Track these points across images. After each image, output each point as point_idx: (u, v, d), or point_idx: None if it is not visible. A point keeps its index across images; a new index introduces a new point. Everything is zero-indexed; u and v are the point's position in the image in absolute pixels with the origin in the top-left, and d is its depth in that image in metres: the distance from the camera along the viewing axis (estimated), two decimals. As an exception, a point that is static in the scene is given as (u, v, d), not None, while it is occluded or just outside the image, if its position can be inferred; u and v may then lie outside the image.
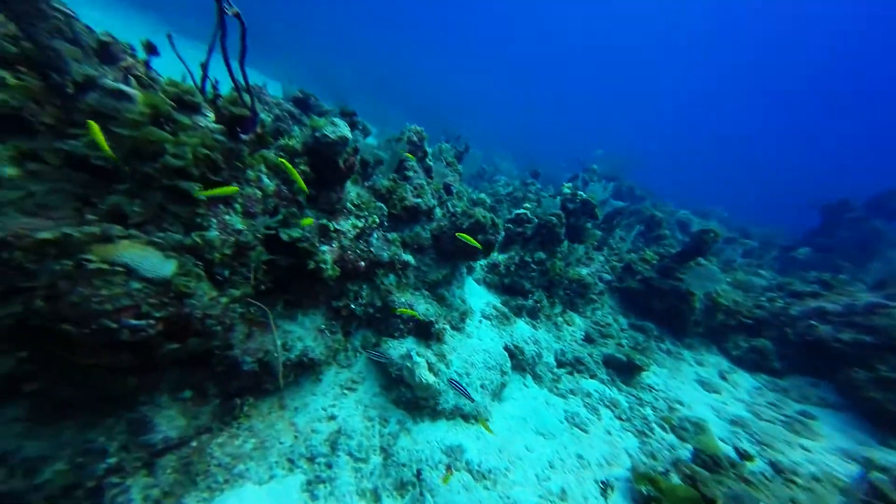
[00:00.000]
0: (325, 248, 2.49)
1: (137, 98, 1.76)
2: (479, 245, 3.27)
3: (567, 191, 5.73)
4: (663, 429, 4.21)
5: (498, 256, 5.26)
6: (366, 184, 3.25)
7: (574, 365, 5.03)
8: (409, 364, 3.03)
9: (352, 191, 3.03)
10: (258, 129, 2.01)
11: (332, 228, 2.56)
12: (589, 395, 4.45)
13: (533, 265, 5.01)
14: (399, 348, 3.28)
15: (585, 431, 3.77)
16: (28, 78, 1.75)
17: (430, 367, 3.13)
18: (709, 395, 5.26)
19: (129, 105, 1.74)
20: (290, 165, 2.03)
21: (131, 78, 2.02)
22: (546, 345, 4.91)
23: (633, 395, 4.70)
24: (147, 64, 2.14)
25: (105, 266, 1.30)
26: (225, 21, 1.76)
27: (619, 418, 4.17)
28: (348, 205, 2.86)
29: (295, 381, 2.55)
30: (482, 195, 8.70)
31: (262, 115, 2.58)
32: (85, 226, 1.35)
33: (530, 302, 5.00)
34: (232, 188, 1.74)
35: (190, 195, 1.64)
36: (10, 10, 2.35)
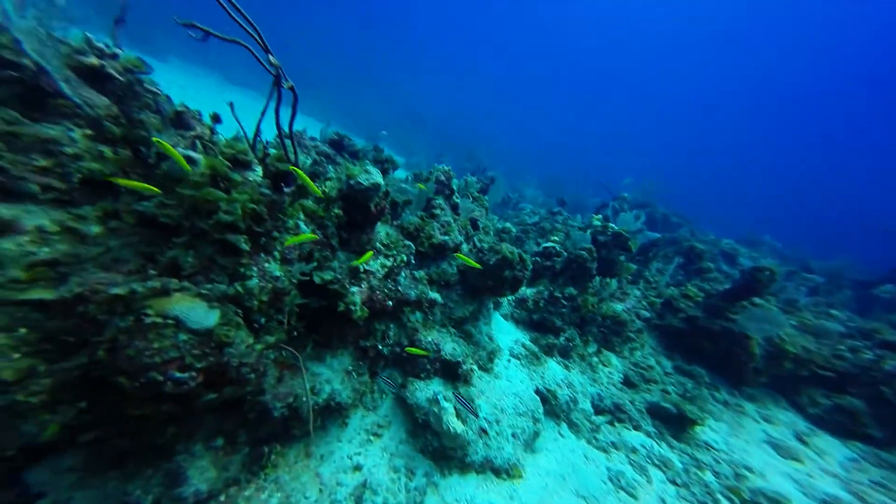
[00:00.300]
0: (354, 289, 2.54)
1: (200, 161, 1.98)
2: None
3: (597, 223, 5.57)
4: (731, 502, 3.60)
5: (526, 291, 5.10)
6: (395, 223, 3.35)
7: (614, 413, 4.58)
8: (435, 409, 2.89)
9: (381, 230, 3.14)
10: (298, 181, 2.17)
11: (361, 269, 2.62)
12: (634, 450, 3.98)
13: (563, 301, 4.79)
14: (425, 390, 3.17)
15: (634, 497, 3.32)
16: (122, 151, 2.05)
17: (458, 413, 2.97)
18: (785, 462, 4.49)
19: (193, 168, 1.97)
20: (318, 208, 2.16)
21: (198, 142, 2.30)
22: (581, 388, 4.54)
23: (688, 455, 4.13)
24: (212, 130, 2.44)
25: (159, 319, 1.39)
26: (281, 91, 1.99)
27: (674, 482, 3.65)
28: (378, 244, 2.95)
29: (322, 425, 2.51)
30: (507, 224, 8.69)
31: (302, 158, 2.82)
32: (148, 280, 1.48)
33: (562, 340, 4.72)
34: (311, 235, 1.92)
35: (236, 247, 1.76)
36: (113, 93, 2.82)
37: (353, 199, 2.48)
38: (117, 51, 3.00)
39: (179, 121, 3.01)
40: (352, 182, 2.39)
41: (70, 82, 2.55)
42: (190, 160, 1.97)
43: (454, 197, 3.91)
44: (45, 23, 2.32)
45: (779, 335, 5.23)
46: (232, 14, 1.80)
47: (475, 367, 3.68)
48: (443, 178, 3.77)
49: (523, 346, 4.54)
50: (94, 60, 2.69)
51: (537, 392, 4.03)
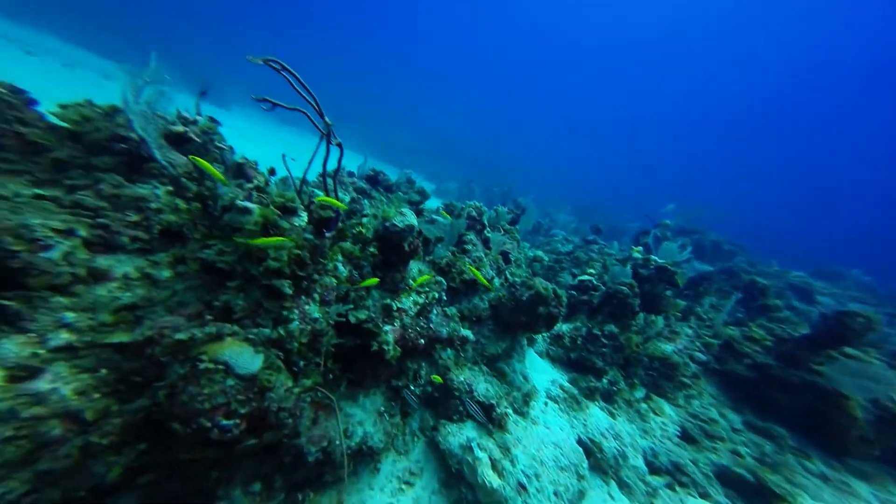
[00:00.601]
0: (387, 327, 2.57)
1: (255, 211, 2.22)
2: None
3: (638, 255, 5.23)
4: None
5: (561, 326, 4.81)
6: (427, 258, 3.41)
7: (673, 474, 3.99)
8: (469, 459, 2.71)
9: (414, 267, 3.20)
10: (339, 225, 2.32)
11: (394, 308, 2.66)
12: (704, 524, 3.38)
13: (603, 339, 4.43)
14: (458, 435, 3.01)
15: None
16: (193, 203, 2.36)
17: (494, 465, 2.76)
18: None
19: (248, 217, 2.20)
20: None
21: (254, 193, 2.59)
22: (630, 440, 4.04)
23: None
24: (267, 182, 2.74)
25: (211, 365, 1.50)
26: (330, 146, 2.21)
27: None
28: (410, 282, 3.00)
29: (354, 471, 2.45)
30: (539, 252, 8.46)
31: (342, 195, 3.04)
32: (206, 326, 1.61)
33: (604, 383, 4.31)
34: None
35: (281, 291, 1.89)
36: (191, 152, 3.30)
37: (387, 239, 2.59)
38: (197, 118, 3.56)
39: (240, 171, 3.42)
40: (387, 224, 2.51)
41: (162, 148, 3.05)
42: (245, 210, 2.21)
43: (486, 231, 3.93)
44: (152, 105, 2.86)
45: (891, 398, 4.27)
46: (294, 84, 2.08)
47: (510, 410, 3.45)
48: (474, 213, 3.82)
49: (561, 387, 4.21)
50: (180, 128, 3.21)
51: (579, 442, 3.65)
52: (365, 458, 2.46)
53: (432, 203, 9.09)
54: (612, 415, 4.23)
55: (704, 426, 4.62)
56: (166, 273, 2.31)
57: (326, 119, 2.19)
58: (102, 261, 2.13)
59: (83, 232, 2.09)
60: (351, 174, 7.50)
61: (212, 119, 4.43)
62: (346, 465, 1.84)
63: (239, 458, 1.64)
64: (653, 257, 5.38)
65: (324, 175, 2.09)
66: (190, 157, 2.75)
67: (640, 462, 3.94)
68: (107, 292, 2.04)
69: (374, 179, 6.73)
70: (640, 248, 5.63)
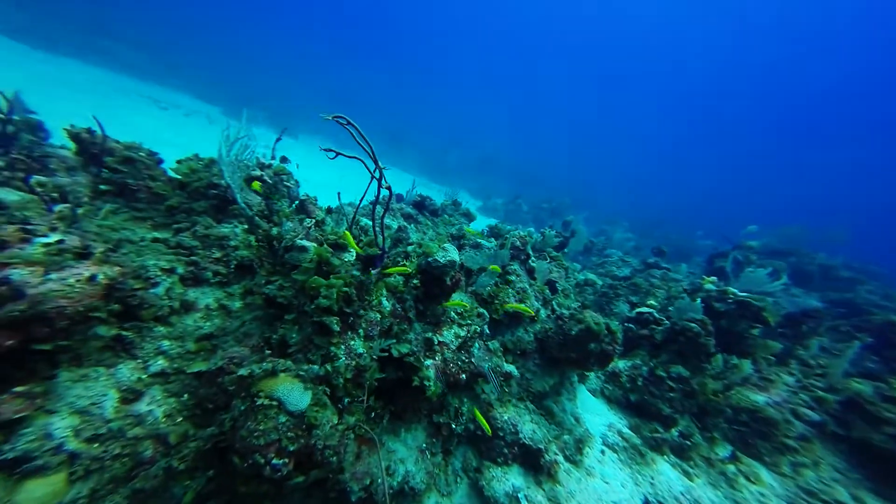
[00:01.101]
0: (428, 362, 2.53)
1: (311, 249, 2.41)
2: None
3: (711, 286, 4.52)
4: None
5: (618, 363, 4.29)
6: (469, 289, 3.35)
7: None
8: (513, 512, 2.47)
9: (456, 298, 3.15)
10: (387, 261, 2.40)
11: (435, 342, 2.62)
12: None
13: (669, 381, 3.83)
14: (503, 481, 2.78)
15: None
16: (261, 243, 2.66)
17: (541, 524, 2.47)
18: None
19: (305, 255, 2.40)
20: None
21: (311, 231, 2.83)
22: (714, 510, 3.33)
23: None
24: (323, 220, 2.99)
25: (267, 401, 1.59)
26: (381, 191, 2.35)
27: None
28: (452, 314, 2.95)
29: (393, 511, 2.39)
30: (591, 275, 7.82)
31: (390, 221, 3.14)
32: (264, 361, 1.74)
33: (674, 434, 3.68)
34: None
35: (329, 328, 1.98)
36: (265, 192, 3.75)
37: (429, 273, 2.60)
38: (272, 162, 4.08)
39: (302, 207, 3.78)
40: (430, 259, 2.53)
41: (243, 190, 3.54)
42: (303, 249, 2.41)
43: (530, 261, 3.75)
44: (240, 155, 3.38)
45: None
46: (355, 136, 2.28)
47: (560, 457, 3.11)
48: (518, 243, 3.69)
49: (620, 434, 3.69)
50: (258, 172, 3.70)
51: (646, 506, 3.12)
52: (407, 498, 2.38)
53: (478, 223, 9.07)
54: (687, 475, 3.56)
55: None
56: (238, 304, 2.60)
57: (378, 164, 2.33)
58: (192, 293, 2.49)
59: (181, 269, 2.47)
60: (400, 197, 7.88)
61: (284, 159, 5.07)
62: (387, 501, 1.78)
63: (289, 492, 1.70)
64: (731, 289, 4.58)
65: (373, 219, 2.19)
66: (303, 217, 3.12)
67: (727, 540, 3.21)
68: (192, 322, 2.35)
69: (421, 205, 6.96)
70: (713, 278, 4.84)
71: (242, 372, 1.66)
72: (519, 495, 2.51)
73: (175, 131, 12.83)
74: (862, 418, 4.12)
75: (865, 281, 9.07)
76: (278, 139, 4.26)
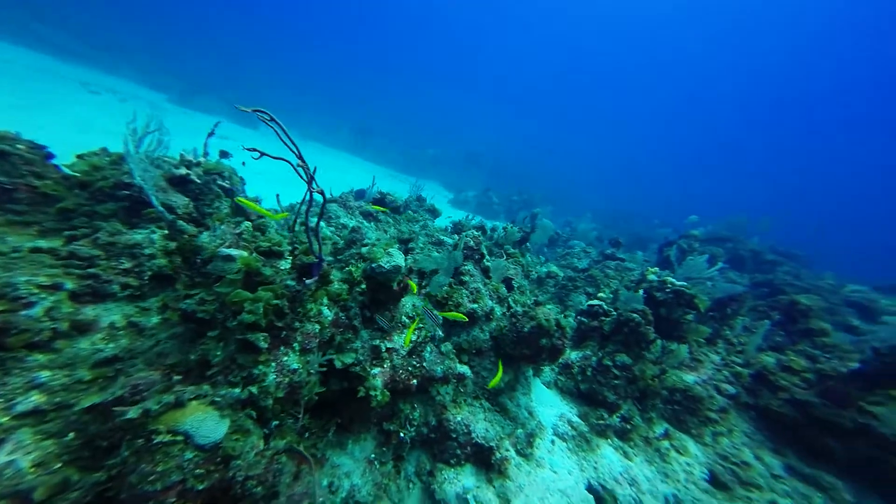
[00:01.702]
0: (376, 370, 2.40)
1: (238, 258, 2.14)
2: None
3: (653, 277, 4.84)
4: None
5: (570, 355, 4.47)
6: (422, 292, 3.25)
7: (701, 523, 3.51)
8: (464, 515, 2.45)
9: (408, 302, 3.04)
10: (323, 271, 2.20)
11: (383, 349, 2.49)
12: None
13: (615, 370, 4.06)
14: (455, 483, 2.74)
15: None
16: (174, 257, 2.33)
17: (491, 522, 2.48)
18: None
19: (231, 265, 2.13)
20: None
21: (242, 237, 2.54)
22: (649, 487, 3.61)
23: None
24: (263, 225, 2.69)
25: (168, 437, 1.37)
26: (313, 196, 2.13)
27: None
28: (403, 318, 2.83)
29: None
30: (553, 267, 8.08)
31: (348, 220, 2.90)
32: (167, 392, 1.50)
33: (616, 420, 3.91)
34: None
35: (255, 345, 1.77)
36: (193, 192, 3.33)
37: (375, 279, 2.45)
38: (201, 159, 3.62)
39: (239, 210, 3.41)
40: (374, 265, 2.38)
41: (167, 191, 3.09)
42: (228, 258, 2.13)
43: (485, 261, 3.73)
44: (149, 154, 2.93)
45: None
46: (279, 134, 2.03)
47: (512, 451, 3.16)
48: (472, 243, 3.65)
49: (570, 423, 3.85)
50: (182, 171, 3.24)
51: (590, 489, 3.28)
52: (351, 514, 2.25)
53: (449, 216, 8.91)
54: (627, 455, 3.81)
55: (737, 470, 4.08)
56: (155, 319, 2.26)
57: (306, 166, 2.11)
58: (90, 311, 2.11)
59: (70, 284, 2.08)
60: (361, 194, 7.51)
61: (223, 154, 4.54)
62: None
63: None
64: (669, 279, 4.95)
65: (307, 226, 1.99)
66: (236, 199, 2.75)
67: (662, 510, 3.49)
68: (90, 345, 1.99)
69: (381, 202, 6.69)
70: (656, 269, 5.22)
71: (131, 414, 1.41)
72: (468, 496, 2.49)
73: (110, 119, 11.11)
74: (766, 387, 4.70)
75: (784, 263, 10.30)
76: (210, 133, 3.79)
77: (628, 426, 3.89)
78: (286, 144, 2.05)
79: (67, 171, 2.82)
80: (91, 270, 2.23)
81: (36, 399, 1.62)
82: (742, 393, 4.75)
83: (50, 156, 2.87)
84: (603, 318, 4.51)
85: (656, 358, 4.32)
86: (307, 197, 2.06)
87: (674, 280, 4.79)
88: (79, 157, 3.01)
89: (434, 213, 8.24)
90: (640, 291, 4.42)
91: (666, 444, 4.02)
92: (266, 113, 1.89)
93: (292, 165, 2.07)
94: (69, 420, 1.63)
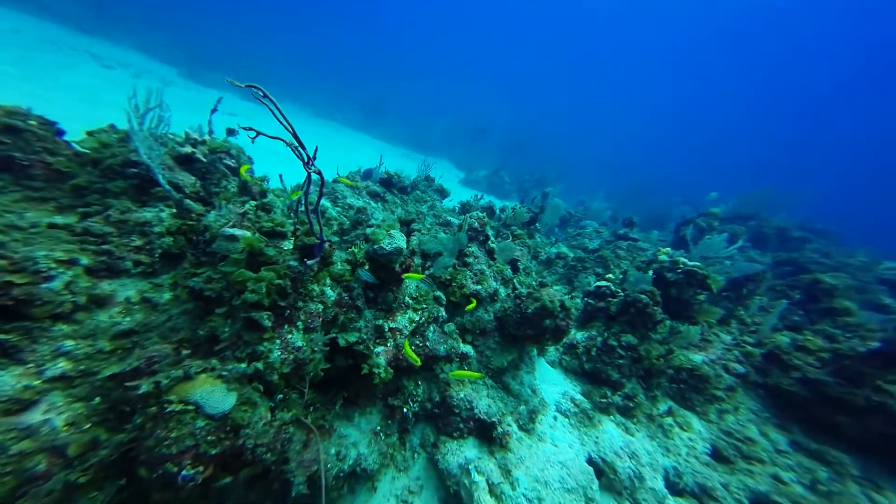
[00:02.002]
0: (379, 349, 2.44)
1: (241, 238, 2.14)
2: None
3: (664, 257, 4.67)
4: None
5: (576, 335, 4.45)
6: (427, 273, 3.23)
7: (699, 497, 3.58)
8: (466, 482, 2.56)
9: (412, 283, 3.03)
10: (325, 252, 2.19)
11: (386, 329, 2.52)
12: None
13: (620, 350, 4.02)
14: (458, 454, 2.85)
15: None
16: (178, 237, 2.35)
17: (492, 490, 2.58)
18: None
19: (235, 245, 2.13)
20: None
21: (247, 218, 2.53)
22: (649, 460, 3.67)
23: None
24: (263, 206, 2.67)
25: (180, 406, 1.43)
26: (311, 177, 2.07)
27: None
28: (407, 299, 2.84)
29: (350, 490, 2.39)
30: (563, 248, 7.93)
31: (355, 201, 2.87)
32: (176, 367, 1.56)
33: (619, 397, 3.93)
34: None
35: (259, 324, 1.80)
36: (199, 170, 3.32)
37: (377, 260, 2.43)
38: (206, 137, 3.58)
39: (245, 189, 3.40)
40: (375, 247, 2.35)
41: (173, 169, 3.09)
42: (232, 238, 2.14)
43: (490, 242, 3.65)
44: (153, 131, 2.89)
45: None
46: (274, 112, 1.95)
47: (514, 426, 3.24)
48: (476, 225, 3.56)
49: (573, 400, 3.90)
50: (188, 149, 3.22)
51: (590, 462, 3.36)
52: (360, 479, 2.38)
53: (459, 196, 8.71)
54: (628, 431, 3.86)
55: (740, 445, 4.10)
56: (167, 295, 2.33)
57: (301, 145, 2.03)
58: (106, 286, 2.18)
59: (85, 260, 2.14)
60: (368, 174, 7.39)
61: (230, 131, 4.48)
62: (324, 500, 1.74)
63: (220, 491, 1.59)
64: (682, 259, 4.77)
65: (306, 207, 1.94)
66: (241, 172, 2.73)
67: (659, 484, 3.57)
68: (108, 318, 2.08)
69: (389, 182, 6.58)
70: (668, 249, 5.02)
71: (144, 389, 1.47)
72: (470, 467, 2.59)
73: (121, 93, 11.12)
74: (778, 367, 4.59)
75: (813, 240, 9.72)
76: (213, 110, 3.72)
77: (631, 403, 3.91)
78: (280, 121, 1.97)
79: (78, 147, 2.84)
80: (105, 247, 2.29)
81: (63, 366, 1.72)
82: (751, 372, 4.66)
83: (60, 132, 2.88)
84: (610, 298, 4.43)
85: (663, 338, 4.25)
86: (308, 178, 2.00)
87: (685, 260, 4.61)
88: (88, 133, 3.02)
89: (443, 193, 8.07)
90: (650, 272, 4.27)
91: (669, 420, 4.05)
92: (259, 89, 1.80)
93: (287, 143, 2.00)
94: (94, 386, 1.73)
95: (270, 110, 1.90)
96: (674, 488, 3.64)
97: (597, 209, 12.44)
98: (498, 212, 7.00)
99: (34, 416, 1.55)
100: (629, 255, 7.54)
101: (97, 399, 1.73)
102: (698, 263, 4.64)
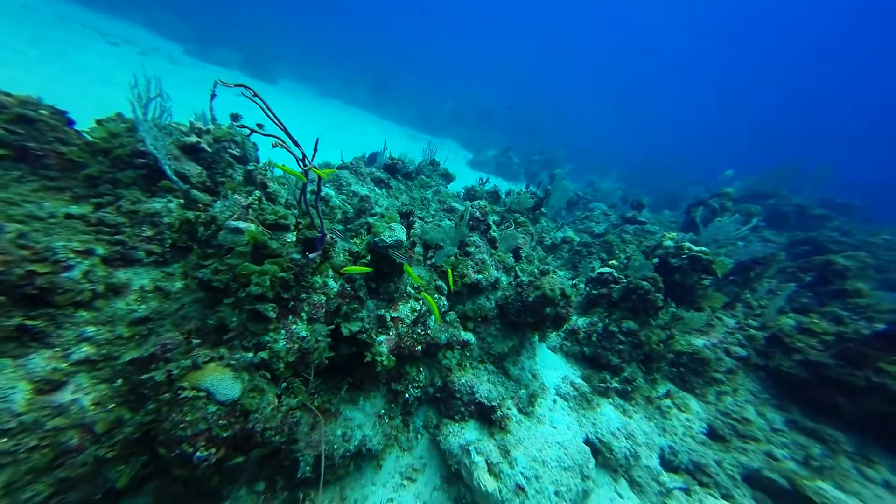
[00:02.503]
0: (381, 338, 2.49)
1: (246, 231, 2.15)
2: (369, 269, 2.49)
3: (670, 243, 4.54)
4: None
5: (577, 321, 4.45)
6: (428, 262, 3.22)
7: (693, 473, 3.67)
8: (466, 462, 2.66)
9: (414, 272, 3.03)
10: (326, 244, 2.19)
11: (388, 318, 2.55)
12: (719, 535, 3.09)
13: (620, 335, 4.02)
14: (459, 436, 2.96)
15: None
16: (180, 234, 2.37)
17: (491, 469, 2.69)
18: None
19: (240, 237, 2.15)
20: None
21: (250, 210, 2.53)
22: (645, 439, 3.75)
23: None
24: (265, 196, 2.66)
25: (193, 393, 1.49)
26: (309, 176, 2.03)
27: None
28: (408, 289, 2.85)
29: (357, 468, 2.52)
30: (570, 232, 7.78)
31: (359, 188, 2.85)
32: (183, 359, 1.61)
33: (618, 381, 3.97)
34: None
35: (264, 315, 1.84)
36: (205, 160, 3.30)
37: (378, 252, 2.42)
38: (210, 126, 3.54)
39: (249, 178, 3.38)
40: (376, 239, 2.33)
41: (179, 159, 3.09)
42: (237, 231, 2.15)
43: (491, 231, 3.60)
44: (157, 121, 2.87)
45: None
46: (266, 111, 1.89)
47: (514, 410, 3.32)
48: (478, 214, 3.49)
49: (572, 384, 3.95)
50: (192, 139, 3.20)
51: (587, 442, 3.45)
52: (365, 458, 2.50)
53: (465, 180, 8.52)
54: (626, 413, 3.93)
55: (736, 425, 4.14)
56: (179, 284, 2.40)
57: (299, 145, 1.98)
58: (121, 275, 2.25)
59: (101, 250, 2.20)
60: (373, 158, 7.27)
61: (234, 116, 4.40)
62: (322, 475, 1.84)
63: (233, 469, 1.70)
64: (687, 244, 4.64)
65: (306, 204, 1.92)
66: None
67: (654, 462, 3.66)
68: (125, 305, 2.16)
69: (393, 168, 6.47)
70: (673, 234, 4.87)
71: (157, 377, 1.53)
72: (470, 448, 2.68)
73: (129, 72, 10.87)
74: (780, 349, 4.54)
75: (835, 217, 9.31)
76: (213, 96, 3.62)
77: (630, 387, 3.95)
78: (272, 120, 1.91)
79: (88, 136, 2.84)
80: (118, 237, 2.34)
81: (86, 350, 1.81)
82: (752, 355, 4.63)
83: (71, 121, 2.89)
84: (613, 285, 4.37)
85: (665, 323, 4.21)
86: (306, 175, 1.97)
87: (691, 245, 4.48)
88: (98, 122, 3.01)
89: (447, 177, 7.91)
90: (655, 259, 4.18)
91: (668, 402, 4.09)
92: (249, 89, 1.75)
93: (281, 144, 1.95)
94: (116, 369, 1.83)
95: (262, 108, 1.85)
96: (668, 465, 3.73)
97: (607, 190, 11.98)
98: (504, 195, 6.85)
99: (64, 396, 1.65)
100: (635, 238, 7.37)
101: (119, 381, 1.83)
102: (704, 249, 4.51)
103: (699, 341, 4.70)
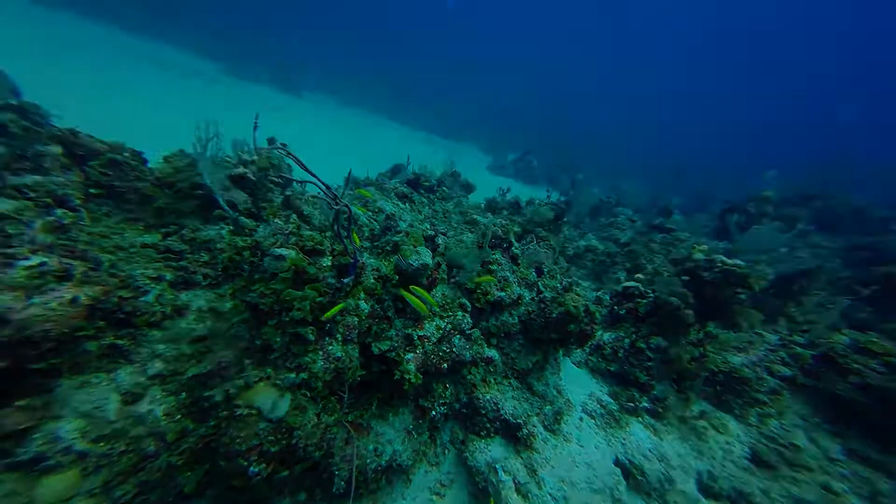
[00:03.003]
0: (409, 356, 2.56)
1: (288, 258, 2.33)
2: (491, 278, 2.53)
3: (700, 255, 4.29)
4: None
5: (603, 336, 4.30)
6: (452, 281, 3.28)
7: (736, 502, 3.40)
8: (494, 481, 2.65)
9: (438, 291, 3.10)
10: (358, 269, 2.32)
11: (415, 337, 2.63)
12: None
13: (649, 352, 3.83)
14: (485, 452, 2.95)
15: None
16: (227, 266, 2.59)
17: (519, 489, 2.65)
18: None
19: (283, 263, 2.33)
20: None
21: (291, 237, 2.73)
22: (680, 462, 3.52)
23: None
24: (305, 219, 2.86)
25: (247, 411, 1.64)
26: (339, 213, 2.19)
27: None
28: (434, 308, 2.92)
29: (388, 482, 2.59)
30: (593, 241, 7.55)
31: (384, 204, 2.99)
32: (238, 378, 1.77)
33: (648, 400, 3.77)
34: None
35: (304, 338, 1.98)
36: (249, 188, 3.59)
37: (405, 273, 2.52)
38: (255, 157, 3.86)
39: (288, 203, 3.63)
40: (402, 263, 2.43)
41: (229, 189, 3.40)
42: (280, 258, 2.34)
43: (514, 248, 3.60)
44: (214, 155, 3.18)
45: None
46: (302, 166, 2.08)
47: (540, 427, 3.25)
48: (500, 232, 3.52)
49: (599, 401, 3.81)
50: (241, 170, 3.51)
51: (617, 463, 3.30)
52: (396, 472, 2.57)
53: (484, 189, 8.49)
54: (657, 433, 3.71)
55: (783, 451, 3.78)
56: (228, 304, 2.62)
57: (335, 196, 2.14)
58: (184, 296, 2.51)
59: (169, 276, 2.47)
60: (397, 169, 7.47)
61: (271, 141, 4.73)
62: (352, 490, 1.92)
63: (280, 481, 1.82)
64: (719, 257, 4.35)
65: (338, 235, 2.07)
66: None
67: (691, 486, 3.43)
68: (186, 325, 2.40)
69: (416, 183, 6.65)
70: (704, 246, 4.59)
71: (217, 398, 1.69)
72: (497, 466, 2.67)
73: (177, 96, 11.52)
74: (833, 370, 4.10)
75: None
76: (255, 127, 3.95)
77: (661, 406, 3.74)
78: (308, 171, 2.07)
79: (157, 173, 3.22)
80: (182, 263, 2.62)
81: (158, 365, 2.03)
82: (799, 375, 4.22)
83: (145, 161, 3.29)
84: (639, 299, 4.19)
85: (697, 340, 3.96)
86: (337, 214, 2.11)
87: (724, 259, 4.20)
88: (165, 159, 3.40)
89: (468, 188, 7.98)
90: (684, 276, 3.97)
91: (703, 423, 3.82)
92: (284, 146, 1.94)
93: (317, 185, 2.11)
94: (181, 383, 2.03)
95: (296, 161, 2.03)
96: (708, 491, 3.48)
97: (632, 193, 11.41)
98: (524, 205, 6.80)
99: (143, 407, 1.86)
100: (663, 248, 6.99)
101: (184, 394, 2.04)
102: (739, 262, 4.21)
103: (736, 358, 4.38)
